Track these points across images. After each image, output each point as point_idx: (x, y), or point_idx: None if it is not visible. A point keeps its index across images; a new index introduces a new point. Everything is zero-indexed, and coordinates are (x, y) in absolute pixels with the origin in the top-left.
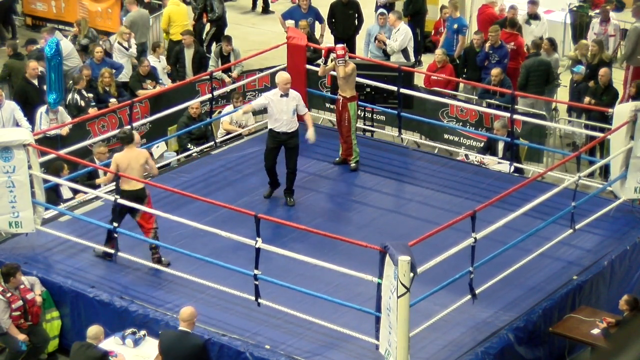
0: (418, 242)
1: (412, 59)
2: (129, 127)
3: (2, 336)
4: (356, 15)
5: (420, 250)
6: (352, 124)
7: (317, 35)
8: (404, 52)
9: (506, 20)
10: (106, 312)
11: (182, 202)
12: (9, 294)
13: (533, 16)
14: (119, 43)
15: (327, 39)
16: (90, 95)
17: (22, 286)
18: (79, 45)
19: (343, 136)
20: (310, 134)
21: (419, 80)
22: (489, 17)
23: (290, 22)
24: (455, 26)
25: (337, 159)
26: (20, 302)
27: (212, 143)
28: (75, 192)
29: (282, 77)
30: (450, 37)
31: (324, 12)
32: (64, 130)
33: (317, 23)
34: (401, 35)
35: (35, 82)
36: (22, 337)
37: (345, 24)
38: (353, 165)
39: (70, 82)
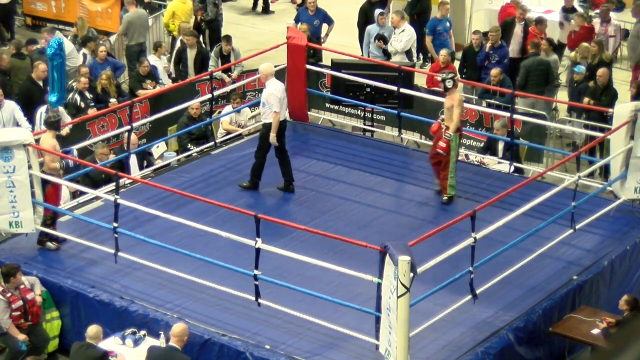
0: (418, 242)
1: (415, 59)
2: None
3: (2, 336)
4: None
5: (420, 250)
6: (451, 156)
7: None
8: (407, 52)
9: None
10: (106, 312)
11: (182, 202)
12: (9, 294)
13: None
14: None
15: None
16: (91, 96)
17: (22, 286)
18: (79, 45)
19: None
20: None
21: (420, 80)
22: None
23: (290, 23)
24: (448, 24)
25: (437, 188)
26: (20, 302)
27: (212, 143)
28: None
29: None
30: (445, 37)
31: (333, 14)
32: (64, 131)
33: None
34: (407, 36)
35: (41, 83)
36: (22, 337)
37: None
38: (445, 199)
39: (71, 82)
